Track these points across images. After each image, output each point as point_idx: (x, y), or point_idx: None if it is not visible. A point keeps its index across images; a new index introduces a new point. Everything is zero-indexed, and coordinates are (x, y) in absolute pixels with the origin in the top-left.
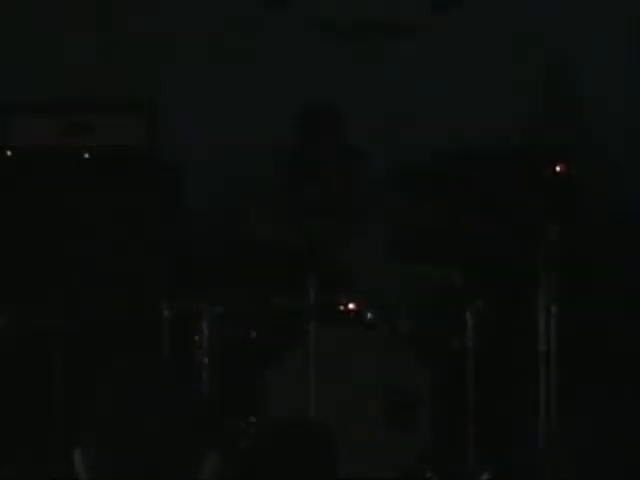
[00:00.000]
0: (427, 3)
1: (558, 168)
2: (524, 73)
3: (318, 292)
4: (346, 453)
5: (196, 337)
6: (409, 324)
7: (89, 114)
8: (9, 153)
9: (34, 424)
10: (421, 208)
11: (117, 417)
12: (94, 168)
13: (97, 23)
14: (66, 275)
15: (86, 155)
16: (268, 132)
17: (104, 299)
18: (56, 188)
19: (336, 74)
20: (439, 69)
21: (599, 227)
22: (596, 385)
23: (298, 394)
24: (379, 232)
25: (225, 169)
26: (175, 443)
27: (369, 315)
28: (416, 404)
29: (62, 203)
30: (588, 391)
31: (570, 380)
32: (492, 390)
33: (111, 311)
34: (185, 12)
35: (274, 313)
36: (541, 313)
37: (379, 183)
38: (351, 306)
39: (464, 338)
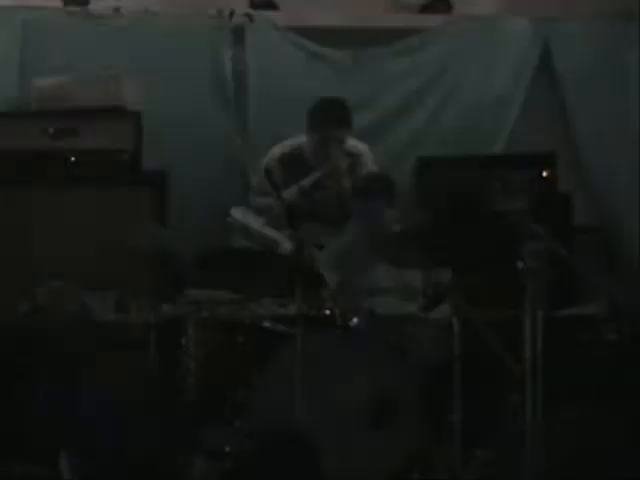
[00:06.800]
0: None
1: (544, 173)
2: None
3: (304, 296)
4: (332, 457)
5: (182, 341)
6: (394, 327)
7: (75, 118)
8: None
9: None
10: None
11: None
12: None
13: None
14: (50, 276)
15: (72, 158)
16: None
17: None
18: (42, 190)
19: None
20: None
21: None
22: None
23: (284, 398)
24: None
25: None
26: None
27: (354, 320)
28: (402, 407)
29: (47, 205)
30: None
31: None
32: (478, 394)
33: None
34: None
35: (261, 317)
36: (527, 318)
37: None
38: (337, 310)
39: (451, 344)
